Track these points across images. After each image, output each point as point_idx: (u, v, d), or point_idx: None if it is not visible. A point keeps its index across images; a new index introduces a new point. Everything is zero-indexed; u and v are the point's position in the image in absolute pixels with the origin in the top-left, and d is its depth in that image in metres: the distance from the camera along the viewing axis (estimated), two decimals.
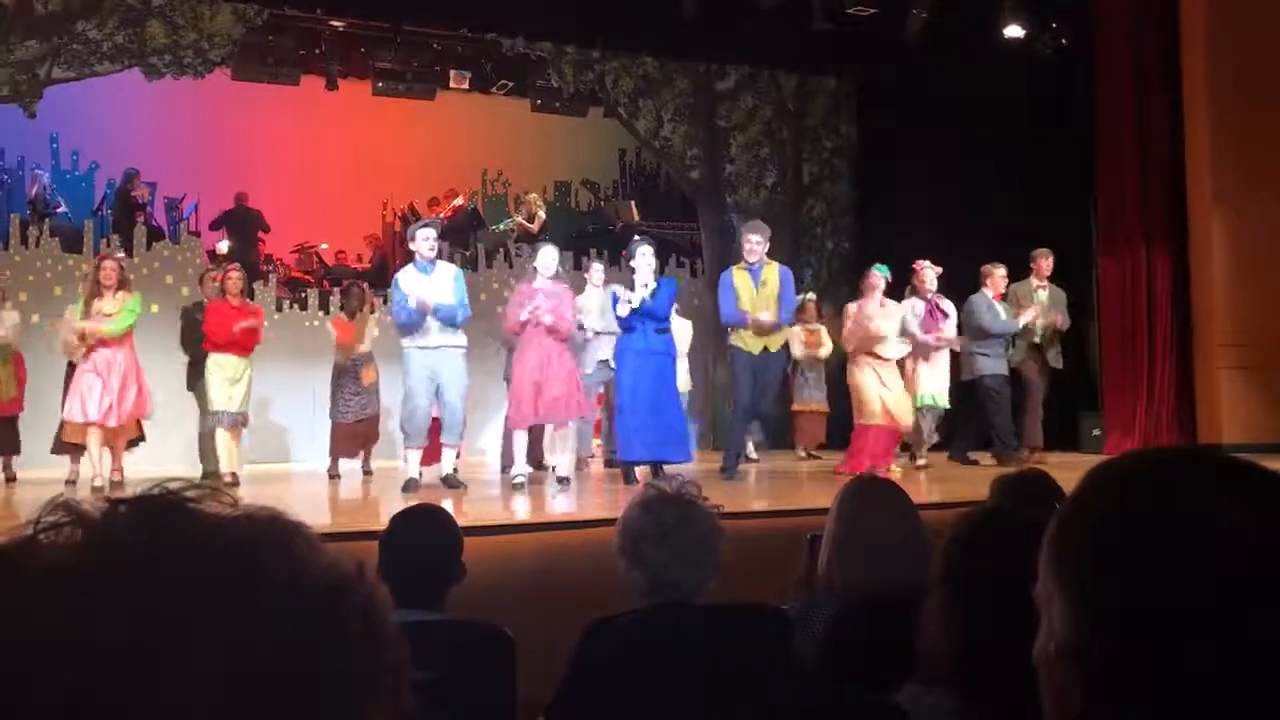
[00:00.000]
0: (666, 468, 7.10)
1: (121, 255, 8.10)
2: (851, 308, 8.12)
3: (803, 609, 2.63)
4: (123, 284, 7.46)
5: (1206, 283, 9.62)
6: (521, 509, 6.17)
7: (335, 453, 8.68)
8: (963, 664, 1.59)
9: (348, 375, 8.61)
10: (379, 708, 0.56)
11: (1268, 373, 9.32)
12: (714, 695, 2.23)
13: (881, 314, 7.92)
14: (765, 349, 7.64)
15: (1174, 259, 9.83)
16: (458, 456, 7.32)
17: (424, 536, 2.71)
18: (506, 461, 7.86)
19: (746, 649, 2.32)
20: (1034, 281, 9.10)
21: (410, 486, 6.85)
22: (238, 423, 7.73)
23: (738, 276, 7.71)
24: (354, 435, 8.64)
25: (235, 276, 7.92)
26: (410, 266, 7.22)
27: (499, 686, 2.49)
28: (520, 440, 7.14)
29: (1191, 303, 9.77)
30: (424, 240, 7.12)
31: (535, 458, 8.16)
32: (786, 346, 8.08)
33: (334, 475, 8.52)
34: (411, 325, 7.01)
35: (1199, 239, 9.71)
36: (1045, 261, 9.12)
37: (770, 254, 7.88)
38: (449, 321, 7.03)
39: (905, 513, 2.62)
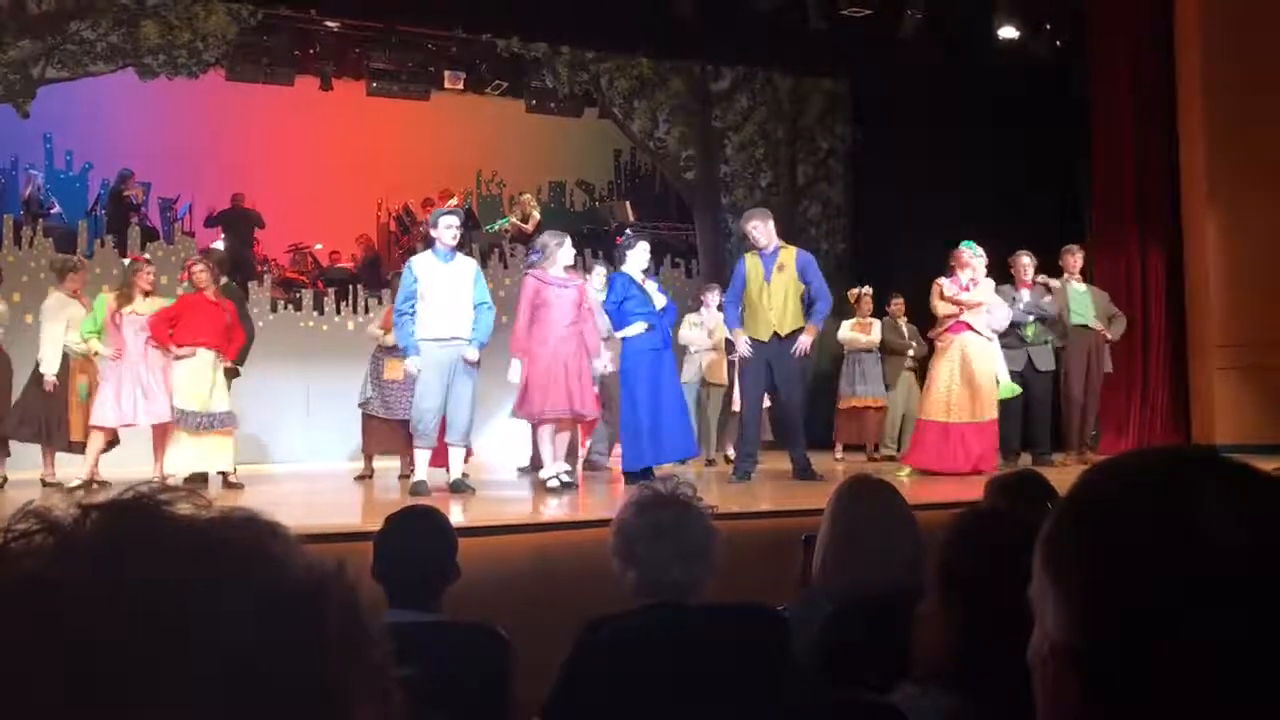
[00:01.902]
0: (662, 469, 7.09)
1: (147, 255, 8.12)
2: (941, 284, 7.87)
3: (798, 609, 2.64)
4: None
5: (1201, 283, 9.65)
6: (518, 510, 6.16)
7: (369, 450, 8.38)
8: (958, 664, 1.59)
9: (375, 367, 8.32)
10: (366, 707, 0.55)
11: (1262, 373, 9.35)
12: (710, 696, 2.23)
13: (967, 295, 7.72)
14: (775, 335, 7.32)
15: (1169, 259, 9.86)
16: (466, 459, 7.16)
17: (418, 537, 2.71)
18: (537, 463, 7.65)
19: (742, 649, 2.32)
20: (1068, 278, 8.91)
21: (421, 489, 6.61)
22: (217, 423, 7.34)
23: (749, 262, 7.47)
24: (392, 431, 8.22)
25: (199, 270, 7.53)
26: (429, 253, 6.88)
27: (495, 687, 2.49)
28: (546, 436, 6.95)
29: (1186, 303, 9.80)
30: (447, 228, 6.82)
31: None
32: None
33: (368, 475, 8.26)
34: (399, 331, 6.76)
35: (1194, 239, 9.73)
36: (1073, 259, 8.93)
37: None
38: (482, 345, 6.80)
39: (900, 513, 2.62)
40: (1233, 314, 9.49)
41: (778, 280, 7.37)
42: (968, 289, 7.83)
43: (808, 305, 7.47)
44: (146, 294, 7.47)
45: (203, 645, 0.50)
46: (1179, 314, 9.83)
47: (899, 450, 9.63)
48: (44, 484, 7.72)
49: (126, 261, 7.80)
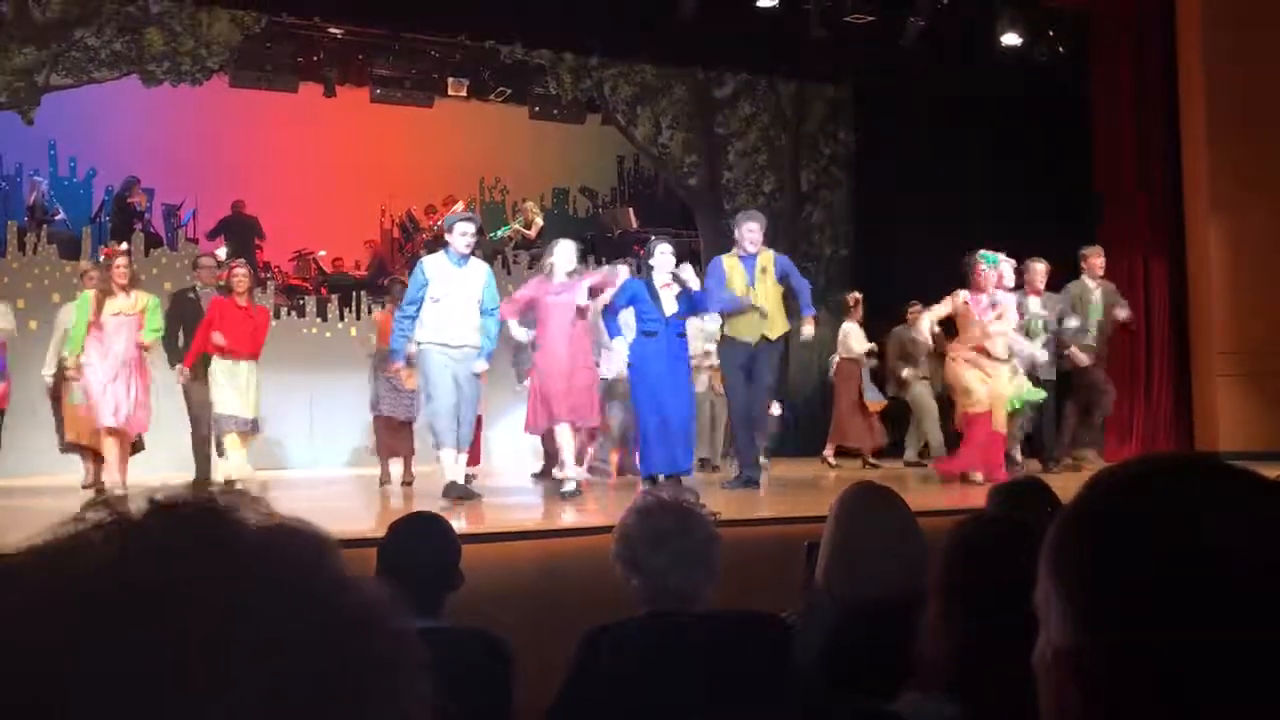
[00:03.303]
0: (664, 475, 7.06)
1: (125, 245, 7.99)
2: (960, 299, 7.66)
3: (801, 616, 2.63)
4: (134, 280, 7.30)
5: (1204, 290, 9.65)
6: (520, 516, 6.16)
7: (383, 454, 8.25)
8: (960, 671, 1.59)
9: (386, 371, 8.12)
10: None
11: (1265, 380, 9.34)
12: (712, 703, 2.23)
13: (993, 313, 7.56)
14: (764, 337, 7.33)
15: (1172, 266, 9.86)
16: (472, 464, 7.10)
17: (422, 543, 2.71)
18: (550, 463, 7.60)
19: (745, 656, 2.32)
20: (1089, 281, 8.69)
21: (452, 492, 6.42)
22: (247, 428, 7.41)
23: (728, 262, 7.45)
24: (398, 433, 8.12)
25: (241, 274, 7.58)
26: (441, 255, 6.76)
27: (497, 694, 2.49)
28: (567, 441, 6.80)
29: (1189, 310, 9.79)
30: (461, 235, 6.65)
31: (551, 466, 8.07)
32: (786, 338, 7.66)
33: (384, 481, 8.09)
34: (396, 330, 6.68)
35: (1196, 246, 9.73)
36: (1098, 259, 8.71)
37: None
38: (489, 356, 6.72)
39: (903, 519, 2.62)
40: (1236, 319, 9.48)
41: (762, 285, 7.37)
42: (998, 310, 7.63)
43: (788, 300, 7.55)
44: (123, 288, 7.22)
45: (263, 658, 0.50)
46: (1182, 320, 9.82)
47: (920, 454, 9.60)
48: (85, 489, 7.60)
49: (100, 259, 7.63)
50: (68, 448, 7.88)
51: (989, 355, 7.53)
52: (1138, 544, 0.74)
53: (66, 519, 0.54)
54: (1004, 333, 7.62)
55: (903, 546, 2.53)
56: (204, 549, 0.52)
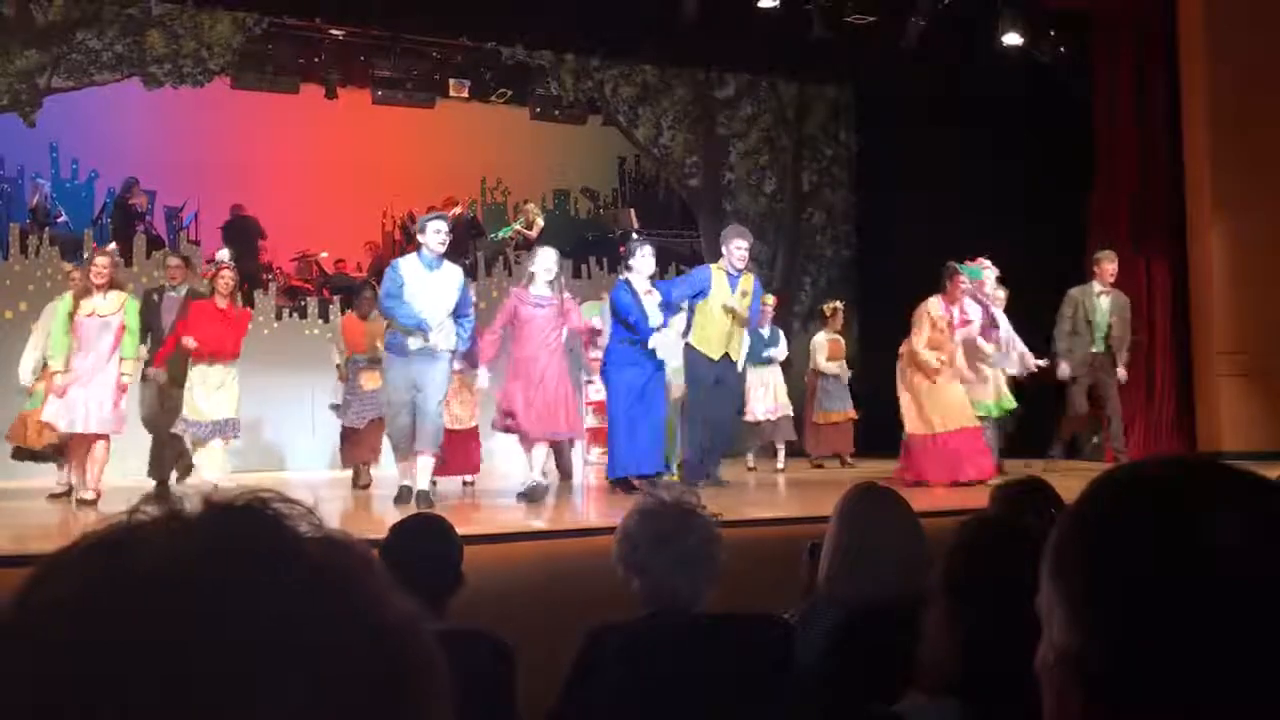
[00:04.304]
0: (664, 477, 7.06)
1: (113, 247, 7.84)
2: (933, 308, 7.50)
3: (803, 617, 2.63)
4: (115, 283, 7.05)
5: (1205, 290, 9.63)
6: (521, 517, 6.17)
7: (348, 460, 8.29)
8: (963, 672, 1.59)
9: (352, 379, 8.15)
10: None
11: (1267, 380, 9.32)
12: (714, 704, 2.23)
13: (964, 327, 7.52)
14: (726, 355, 7.31)
15: (1173, 266, 9.84)
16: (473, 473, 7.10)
17: (423, 545, 2.71)
18: (567, 470, 7.74)
19: (747, 658, 2.32)
20: (1096, 286, 8.51)
21: (404, 496, 6.40)
22: (222, 431, 7.23)
23: (716, 275, 7.38)
24: (362, 440, 8.16)
25: (227, 276, 7.34)
26: (414, 257, 6.56)
27: (499, 695, 2.49)
28: (538, 450, 6.79)
29: (1190, 310, 9.78)
30: (435, 233, 6.46)
31: (564, 467, 8.09)
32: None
33: (355, 485, 8.07)
34: (395, 318, 6.46)
35: (1198, 246, 9.72)
36: (1110, 265, 8.50)
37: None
38: (458, 353, 6.66)
39: (906, 521, 2.62)
40: (1238, 321, 9.47)
41: (741, 306, 7.34)
42: (967, 320, 7.63)
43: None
44: (100, 289, 6.92)
45: (306, 661, 0.50)
46: (1183, 320, 9.80)
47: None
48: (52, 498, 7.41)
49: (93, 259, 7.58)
50: (18, 453, 7.73)
51: (950, 365, 7.52)
52: (1139, 546, 0.75)
53: (123, 511, 0.54)
54: (969, 339, 7.61)
55: (905, 547, 2.53)
56: (258, 554, 0.53)
